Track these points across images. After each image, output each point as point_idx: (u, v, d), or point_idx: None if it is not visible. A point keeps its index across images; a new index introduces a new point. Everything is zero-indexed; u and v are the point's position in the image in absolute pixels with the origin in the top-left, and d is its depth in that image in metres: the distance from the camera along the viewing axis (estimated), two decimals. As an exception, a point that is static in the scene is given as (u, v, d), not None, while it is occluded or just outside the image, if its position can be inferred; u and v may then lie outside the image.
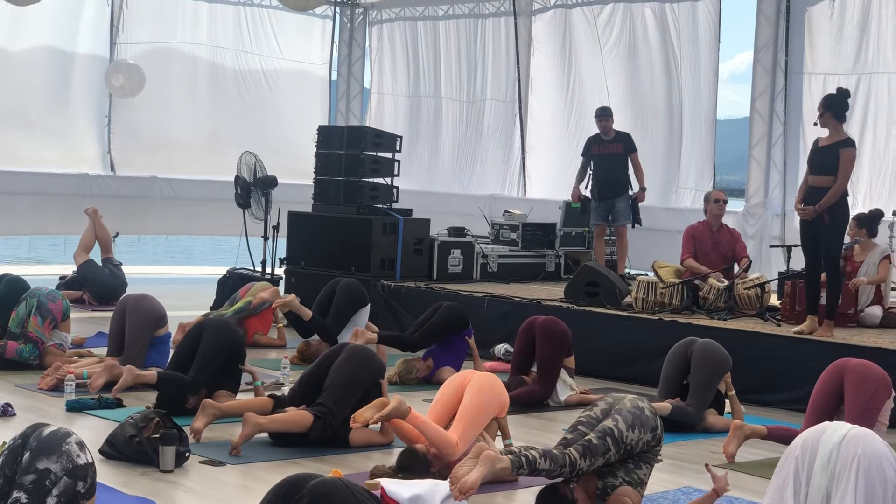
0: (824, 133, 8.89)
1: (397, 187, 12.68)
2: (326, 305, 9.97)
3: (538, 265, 13.15)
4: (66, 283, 12.86)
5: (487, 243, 13.17)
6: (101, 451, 6.21)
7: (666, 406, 7.48)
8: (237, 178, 12.97)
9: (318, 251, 12.38)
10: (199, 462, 6.27)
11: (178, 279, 16.73)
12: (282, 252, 12.93)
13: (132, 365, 7.94)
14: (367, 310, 10.05)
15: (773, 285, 10.70)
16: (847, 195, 8.81)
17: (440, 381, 7.77)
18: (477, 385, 6.21)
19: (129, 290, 11.62)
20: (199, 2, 16.82)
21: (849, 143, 8.78)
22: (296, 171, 15.24)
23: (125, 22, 16.05)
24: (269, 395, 7.09)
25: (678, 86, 14.38)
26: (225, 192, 13.78)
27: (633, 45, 14.78)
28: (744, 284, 10.22)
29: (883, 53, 12.65)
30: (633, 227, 12.43)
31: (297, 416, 6.62)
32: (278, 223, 12.86)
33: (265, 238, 12.84)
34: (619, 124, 12.73)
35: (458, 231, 12.77)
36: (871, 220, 10.24)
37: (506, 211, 13.85)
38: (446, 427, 6.05)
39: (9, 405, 7.23)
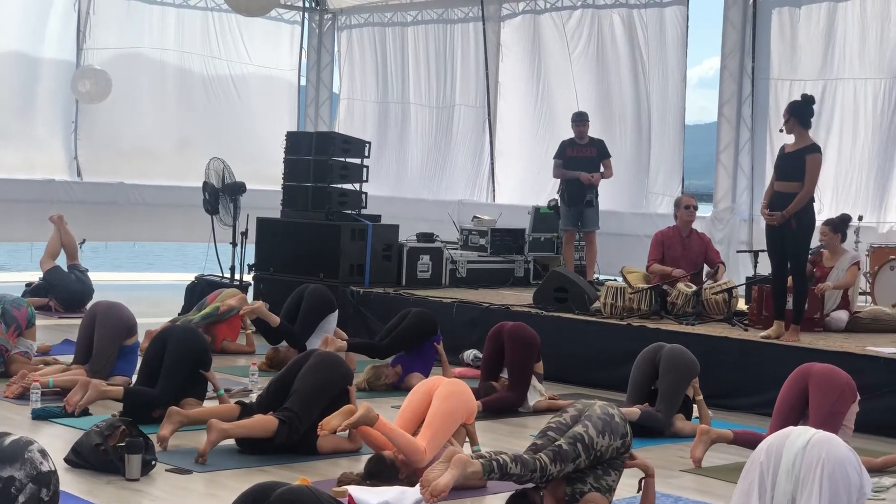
0: (791, 139, 8.95)
1: (366, 193, 12.68)
2: (294, 312, 9.95)
3: (507, 271, 13.17)
4: (32, 289, 12.78)
5: (456, 249, 13.18)
6: (66, 460, 6.18)
7: (634, 411, 7.50)
8: (205, 184, 12.93)
9: (286, 257, 12.36)
10: (166, 470, 6.25)
11: (146, 286, 16.65)
12: (250, 258, 12.90)
13: (100, 373, 7.91)
14: (335, 316, 10.03)
15: (741, 290, 10.76)
16: (813, 201, 8.88)
17: (409, 387, 7.76)
18: (445, 391, 6.21)
19: (96, 297, 11.57)
20: (167, 7, 16.76)
21: (815, 149, 8.84)
22: (264, 177, 15.20)
23: (92, 27, 15.97)
24: (236, 402, 7.07)
25: (646, 91, 14.45)
26: (193, 198, 13.73)
27: (601, 50, 14.85)
28: (712, 290, 10.27)
29: (849, 59, 12.75)
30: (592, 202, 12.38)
31: (263, 422, 6.60)
32: (247, 229, 12.83)
33: (234, 244, 12.81)
34: (588, 130, 12.78)
35: (426, 237, 12.78)
36: (843, 225, 10.31)
37: (475, 216, 13.87)
38: (414, 434, 6.05)
39: (-27, 414, 7.19)
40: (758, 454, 4.43)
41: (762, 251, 9.80)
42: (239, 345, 10.74)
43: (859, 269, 10.22)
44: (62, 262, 13.05)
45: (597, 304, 10.33)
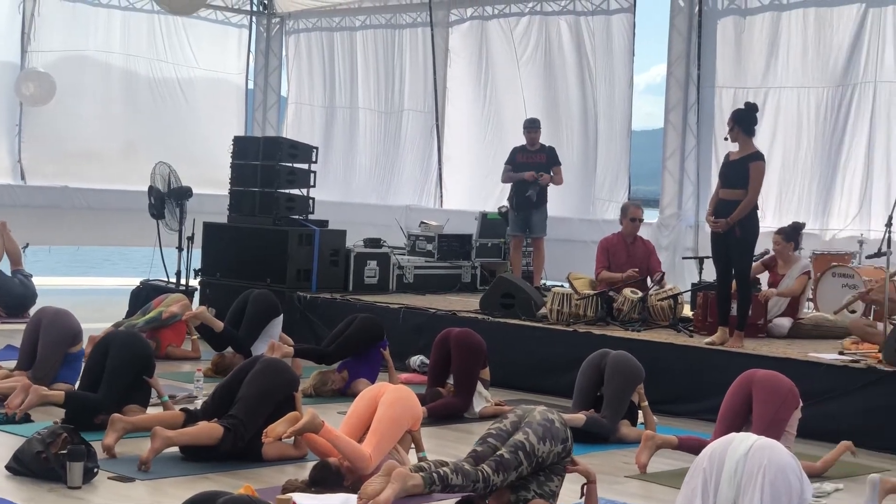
0: (735, 147, 9.03)
1: (313, 198, 12.65)
2: (239, 317, 9.91)
3: (454, 276, 13.19)
4: (-27, 295, 12.63)
5: (404, 254, 13.17)
6: (7, 468, 6.11)
7: (580, 417, 7.53)
8: (151, 188, 12.84)
9: (233, 262, 12.30)
10: (108, 478, 6.19)
11: (90, 290, 16.50)
12: (197, 263, 12.82)
13: (43, 380, 7.82)
14: (279, 320, 10.01)
15: (686, 296, 10.84)
16: (757, 208, 8.96)
17: (355, 392, 7.74)
18: (390, 398, 6.21)
19: (40, 302, 11.45)
20: (113, 10, 16.63)
21: (758, 157, 8.92)
22: (211, 182, 15.12)
23: (37, 29, 15.82)
24: (181, 409, 7.02)
25: (593, 97, 14.51)
26: (138, 202, 13.61)
27: (549, 56, 14.91)
28: (657, 296, 10.33)
29: (792, 68, 12.88)
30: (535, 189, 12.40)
31: (207, 429, 6.56)
32: (193, 234, 12.75)
33: (179, 249, 12.73)
34: (539, 137, 12.79)
35: (374, 242, 12.76)
36: (794, 234, 10.40)
37: (422, 222, 13.87)
38: (360, 440, 6.04)
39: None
40: (701, 460, 4.46)
41: (707, 258, 9.87)
42: (184, 350, 10.67)
43: (809, 277, 10.27)
44: (5, 266, 12.91)
45: (543, 311, 10.36)
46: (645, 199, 15.20)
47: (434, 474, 4.99)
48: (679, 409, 8.88)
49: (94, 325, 10.21)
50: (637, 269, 10.64)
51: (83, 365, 8.01)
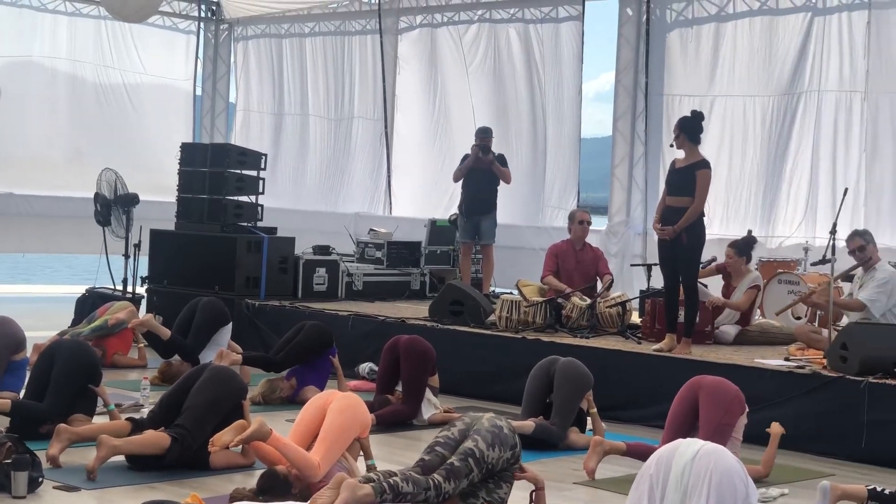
0: (681, 154, 9.10)
1: (262, 205, 12.60)
2: (187, 325, 9.86)
3: (403, 283, 13.18)
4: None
5: (353, 262, 13.16)
6: (-50, 478, 6.03)
7: (529, 424, 7.56)
8: (97, 195, 12.74)
9: (181, 270, 12.24)
10: (53, 487, 6.13)
11: (35, 298, 16.33)
12: (144, 271, 12.74)
13: (-15, 387, 7.73)
14: (228, 328, 9.97)
15: (635, 303, 10.90)
16: (703, 215, 9.03)
17: (304, 400, 7.71)
18: (339, 406, 6.20)
19: (-16, 310, 11.31)
20: (59, 15, 16.49)
21: (704, 165, 8.99)
22: (159, 189, 15.02)
23: (-19, 34, 15.67)
24: (127, 418, 6.97)
25: (542, 105, 14.57)
26: (85, 209, 13.51)
27: (498, 64, 14.95)
28: (606, 303, 10.39)
29: (738, 76, 12.99)
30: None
31: (154, 438, 6.52)
32: (140, 241, 12.67)
33: (126, 256, 12.65)
34: (491, 145, 12.80)
35: (323, 249, 12.73)
36: (747, 247, 10.42)
37: (371, 229, 13.86)
38: (308, 448, 6.03)
39: None
40: (648, 466, 4.48)
41: (655, 265, 9.94)
42: (130, 358, 10.60)
43: (758, 291, 10.29)
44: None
45: (492, 318, 10.38)
46: (594, 206, 15.28)
47: (385, 483, 4.99)
48: (628, 415, 8.93)
49: (39, 333, 10.11)
50: (583, 286, 10.66)
51: (28, 373, 7.93)
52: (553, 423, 7.73)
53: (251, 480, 6.27)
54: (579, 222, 11.13)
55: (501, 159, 12.73)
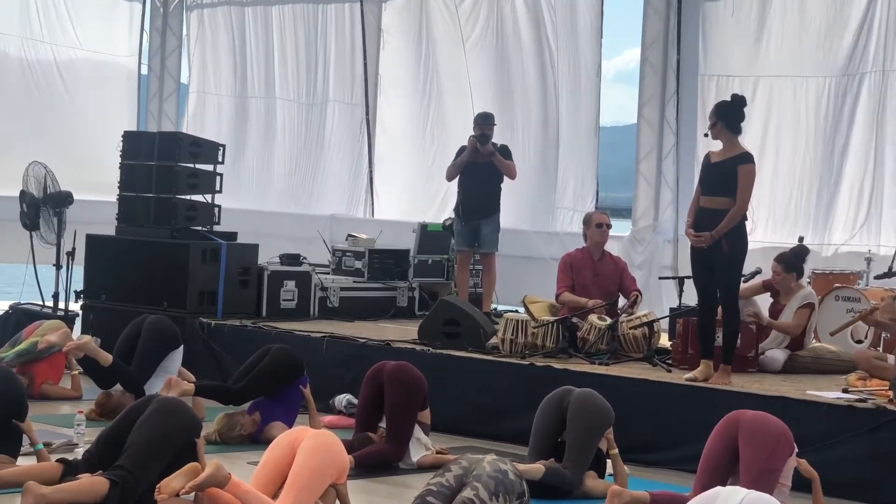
0: (718, 146, 9.12)
1: (219, 206, 12.62)
2: (130, 348, 9.87)
3: (388, 300, 13.20)
4: None
5: (328, 273, 13.17)
6: None
7: (538, 468, 7.56)
8: (23, 193, 12.76)
9: (122, 282, 12.25)
10: (-30, 543, 6.14)
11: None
12: (78, 284, 12.74)
13: None
14: (179, 353, 9.97)
15: (664, 324, 10.91)
16: (746, 219, 9.05)
17: (269, 439, 7.74)
18: (311, 445, 6.21)
19: None
20: (-24, -21, 16.54)
21: (747, 158, 9.01)
22: (96, 186, 15.03)
23: None
24: (58, 460, 6.97)
25: (555, 86, 14.59)
26: (8, 210, 13.53)
27: (501, 38, 14.97)
28: (629, 323, 10.40)
29: (788, 53, 12.96)
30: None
31: (90, 484, 6.52)
32: (74, 248, 12.67)
33: (57, 266, 12.65)
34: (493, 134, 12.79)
35: (292, 259, 12.74)
36: (797, 260, 10.39)
37: (350, 235, 13.87)
38: (275, 496, 6.04)
39: None
40: (680, 519, 4.50)
41: (688, 278, 9.94)
42: (62, 388, 10.60)
43: (811, 310, 10.27)
44: None
45: (494, 340, 10.39)
46: (615, 207, 15.32)
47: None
48: (654, 457, 8.94)
49: (-47, 358, 10.12)
50: (603, 301, 10.67)
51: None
52: (566, 466, 7.74)
53: (206, 534, 6.29)
54: (597, 226, 11.14)
55: (504, 151, 12.72)
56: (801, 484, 7.07)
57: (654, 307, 11.89)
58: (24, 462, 7.34)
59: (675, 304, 11.24)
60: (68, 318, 12.15)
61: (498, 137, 13.09)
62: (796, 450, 6.88)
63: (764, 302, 10.52)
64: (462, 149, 12.75)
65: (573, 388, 8.03)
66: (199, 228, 12.45)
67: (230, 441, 8.98)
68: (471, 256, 12.91)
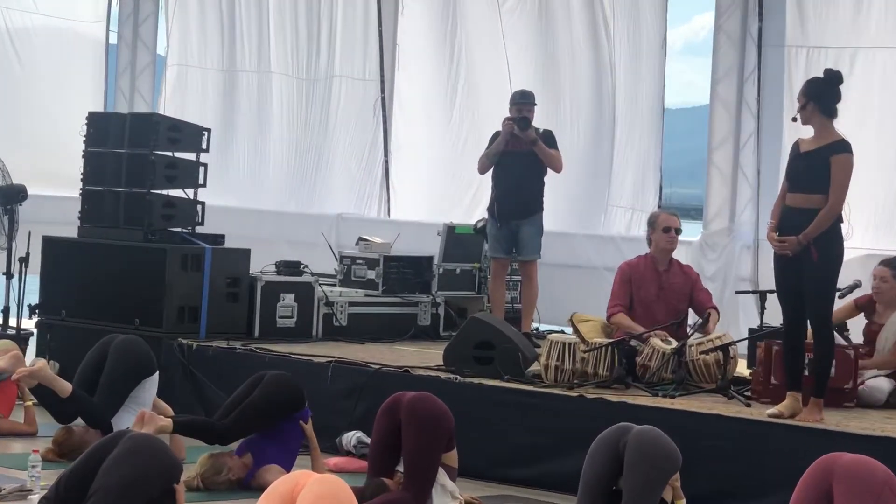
0: (809, 132, 9.10)
1: (203, 203, 12.65)
2: (95, 375, 9.89)
3: (407, 317, 13.22)
4: None
5: (334, 285, 13.19)
6: None
7: (587, 522, 7.57)
8: (-32, 187, 12.84)
9: (86, 295, 12.29)
10: None
11: None
12: (33, 296, 12.79)
13: None
14: (154, 381, 10.00)
15: (741, 348, 10.88)
16: (842, 221, 9.03)
17: (262, 485, 7.75)
18: (314, 492, 6.21)
19: None
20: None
21: (843, 147, 8.99)
22: (55, 178, 15.11)
23: None
24: (8, 508, 7.02)
25: (610, 62, 14.60)
26: (-50, 208, 13.62)
27: (544, 3, 14.97)
28: (700, 347, 10.38)
29: (892, 21, 12.94)
30: None
31: (48, 540, 6.55)
32: (28, 254, 12.72)
33: (8, 275, 12.70)
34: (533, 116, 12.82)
35: (291, 267, 12.77)
36: None
37: (361, 238, 13.88)
38: (269, 554, 6.05)
39: None
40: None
41: (771, 292, 9.93)
42: (14, 423, 10.65)
43: None
44: None
45: (535, 367, 10.40)
46: (682, 206, 15.31)
47: None
48: (730, 509, 8.96)
49: None
50: (668, 321, 10.67)
51: None
52: (623, 519, 7.74)
53: None
54: (664, 230, 11.11)
55: (548, 137, 12.73)
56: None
57: (730, 328, 11.89)
58: (-32, 511, 7.39)
59: (755, 323, 11.22)
60: (20, 338, 12.20)
61: (539, 121, 13.12)
62: (903, 501, 6.88)
63: (856, 326, 10.49)
64: (496, 134, 12.76)
65: (632, 426, 8.02)
66: (179, 230, 12.48)
67: (216, 487, 8.99)
68: (507, 265, 12.92)
